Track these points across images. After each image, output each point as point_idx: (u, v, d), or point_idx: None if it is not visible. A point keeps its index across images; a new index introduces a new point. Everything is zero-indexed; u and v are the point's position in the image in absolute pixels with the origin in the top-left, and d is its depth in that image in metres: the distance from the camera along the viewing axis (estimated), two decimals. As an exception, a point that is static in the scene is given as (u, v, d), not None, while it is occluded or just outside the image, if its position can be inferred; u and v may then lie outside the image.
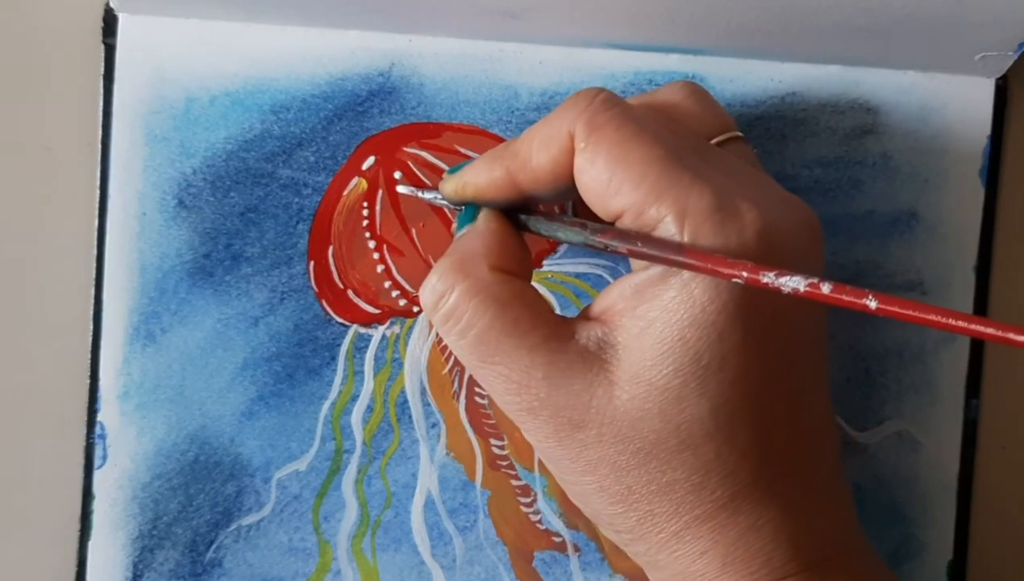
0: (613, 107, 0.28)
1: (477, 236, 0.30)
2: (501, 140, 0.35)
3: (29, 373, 0.35)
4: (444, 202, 0.32)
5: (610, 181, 0.27)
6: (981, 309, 0.36)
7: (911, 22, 0.32)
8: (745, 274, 0.25)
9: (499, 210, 0.31)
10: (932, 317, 0.23)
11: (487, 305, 0.28)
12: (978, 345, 0.36)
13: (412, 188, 0.34)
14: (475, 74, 0.35)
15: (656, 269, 0.27)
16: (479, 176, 0.30)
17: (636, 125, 0.28)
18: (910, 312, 0.23)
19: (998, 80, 0.36)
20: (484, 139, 0.35)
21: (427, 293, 0.29)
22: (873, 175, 0.36)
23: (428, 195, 0.33)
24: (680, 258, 0.26)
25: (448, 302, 0.29)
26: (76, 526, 0.35)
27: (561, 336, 0.28)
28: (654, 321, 0.27)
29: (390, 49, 0.35)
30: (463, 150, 0.35)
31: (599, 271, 0.36)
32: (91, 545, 0.35)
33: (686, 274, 0.27)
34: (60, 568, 0.35)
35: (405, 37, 0.35)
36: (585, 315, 0.29)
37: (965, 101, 0.36)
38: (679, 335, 0.27)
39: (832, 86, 0.35)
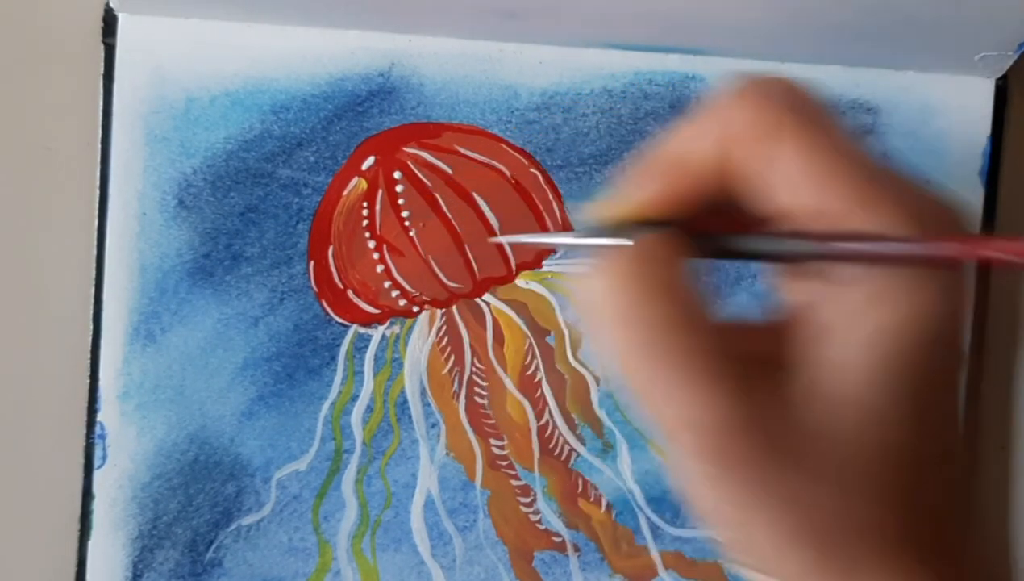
0: (800, 97, 0.24)
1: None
2: (501, 140, 0.35)
3: (29, 373, 0.35)
4: (571, 240, 0.25)
5: (818, 174, 0.23)
6: (980, 309, 0.36)
7: (911, 22, 0.32)
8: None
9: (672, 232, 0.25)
10: None
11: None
12: (978, 346, 0.36)
13: (518, 236, 0.32)
14: (475, 74, 0.35)
15: (866, 286, 0.24)
16: (636, 194, 0.25)
17: (827, 116, 0.24)
18: None
19: (998, 80, 0.36)
20: (484, 139, 0.35)
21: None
22: (873, 175, 0.36)
23: (554, 239, 0.30)
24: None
25: None
26: (76, 526, 0.35)
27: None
28: (870, 338, 0.23)
29: (390, 49, 0.35)
30: (463, 150, 0.35)
31: (599, 271, 0.36)
32: (91, 545, 0.35)
33: (898, 291, 0.23)
34: (60, 568, 0.35)
35: (405, 37, 0.35)
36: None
37: (965, 101, 0.36)
38: (898, 352, 0.23)
39: (832, 86, 0.35)
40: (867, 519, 0.24)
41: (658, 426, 0.25)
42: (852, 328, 0.24)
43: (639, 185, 0.25)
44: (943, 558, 0.24)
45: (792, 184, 0.23)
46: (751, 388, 0.24)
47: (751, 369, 0.24)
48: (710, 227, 0.25)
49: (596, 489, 0.36)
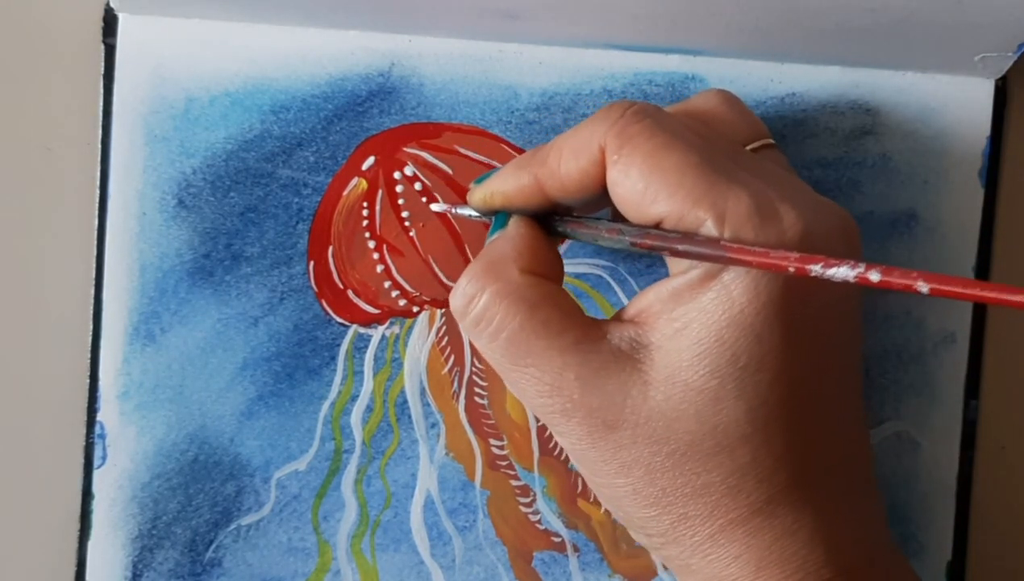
0: (645, 118, 0.28)
1: (507, 241, 0.30)
2: (501, 140, 0.35)
3: (29, 373, 0.35)
4: (477, 215, 0.32)
5: (646, 191, 0.27)
6: (980, 309, 0.36)
7: (911, 23, 0.32)
8: (794, 266, 0.25)
9: (530, 216, 0.31)
10: (988, 294, 0.22)
11: (518, 307, 0.28)
12: (977, 346, 0.36)
13: (446, 205, 0.34)
14: (475, 74, 0.35)
15: (695, 273, 0.27)
16: (506, 184, 0.30)
17: (668, 134, 0.28)
18: (963, 290, 0.22)
19: (998, 81, 0.36)
20: (484, 139, 0.35)
21: (457, 297, 0.29)
22: (872, 176, 0.36)
23: (463, 211, 0.33)
24: (727, 254, 0.26)
25: (478, 305, 0.29)
26: (76, 526, 0.35)
27: (593, 337, 0.28)
28: (691, 322, 0.27)
29: (390, 49, 0.35)
30: (463, 150, 0.35)
31: (599, 272, 0.36)
32: (90, 545, 0.35)
33: (726, 277, 0.27)
34: (60, 568, 0.35)
35: (405, 37, 0.35)
36: (618, 317, 0.29)
37: (965, 102, 0.36)
38: (716, 336, 0.26)
39: (831, 87, 0.35)
40: (721, 486, 0.27)
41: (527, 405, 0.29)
42: (668, 318, 0.27)
43: (510, 176, 0.30)
44: (818, 503, 0.27)
45: (629, 194, 0.27)
46: (607, 368, 0.27)
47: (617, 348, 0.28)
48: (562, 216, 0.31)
49: (596, 489, 0.36)
